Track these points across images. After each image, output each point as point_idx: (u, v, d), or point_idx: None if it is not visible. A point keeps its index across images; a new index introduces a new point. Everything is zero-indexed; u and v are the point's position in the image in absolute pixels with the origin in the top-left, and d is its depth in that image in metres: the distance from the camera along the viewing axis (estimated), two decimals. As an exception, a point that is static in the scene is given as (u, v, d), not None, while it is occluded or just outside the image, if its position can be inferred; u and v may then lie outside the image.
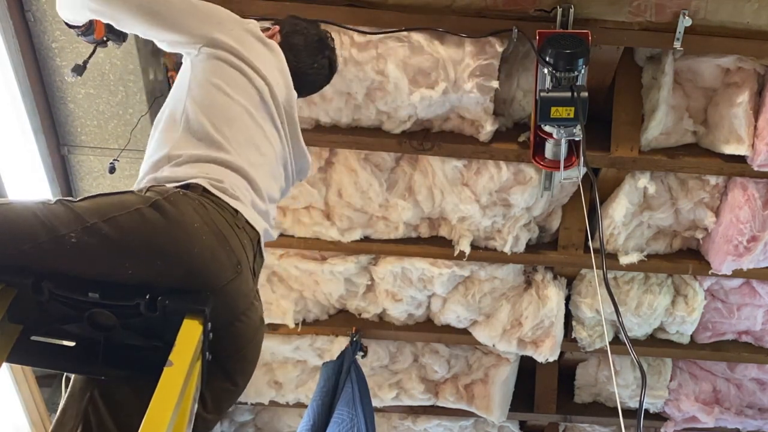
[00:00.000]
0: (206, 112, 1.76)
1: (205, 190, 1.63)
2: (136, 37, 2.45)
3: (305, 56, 2.12)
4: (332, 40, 2.25)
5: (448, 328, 3.65)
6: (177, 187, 1.61)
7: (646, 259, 3.22)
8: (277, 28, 2.14)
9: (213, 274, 1.54)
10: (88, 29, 2.07)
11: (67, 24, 2.06)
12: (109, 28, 2.05)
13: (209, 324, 1.50)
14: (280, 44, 2.06)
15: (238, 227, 1.64)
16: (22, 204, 1.49)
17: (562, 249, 3.30)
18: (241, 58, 1.86)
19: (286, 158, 1.97)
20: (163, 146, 1.74)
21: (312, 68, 2.15)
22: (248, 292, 1.63)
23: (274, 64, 1.97)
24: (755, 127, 2.74)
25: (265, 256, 1.80)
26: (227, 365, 1.62)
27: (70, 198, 1.53)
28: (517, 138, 2.87)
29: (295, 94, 2.03)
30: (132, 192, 1.58)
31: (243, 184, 1.74)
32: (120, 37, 2.15)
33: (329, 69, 2.23)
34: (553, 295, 3.41)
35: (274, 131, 1.89)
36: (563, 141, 2.53)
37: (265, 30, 2.09)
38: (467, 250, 3.20)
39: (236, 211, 1.66)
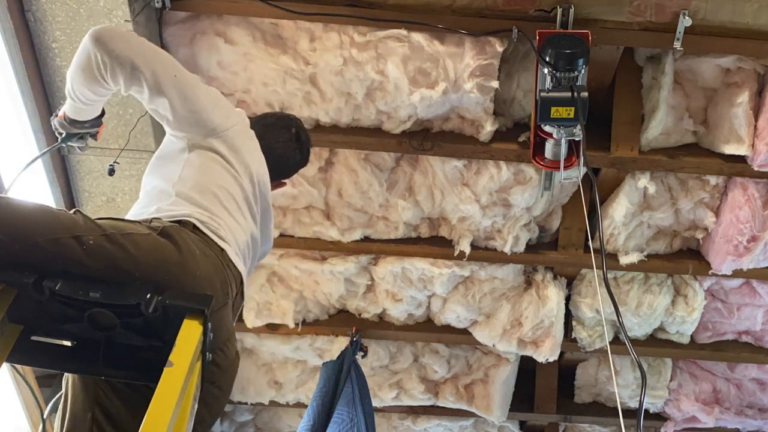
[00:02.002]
0: (197, 188, 1.85)
1: (195, 227, 1.74)
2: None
3: (267, 133, 2.19)
4: (296, 118, 2.34)
5: (448, 328, 3.65)
6: (171, 221, 1.71)
7: (646, 259, 3.22)
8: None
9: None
10: (95, 122, 2.14)
11: (67, 121, 2.09)
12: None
13: (209, 324, 1.51)
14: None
15: (224, 264, 1.74)
16: (42, 206, 1.55)
17: (562, 249, 3.30)
18: (233, 159, 1.94)
19: (256, 238, 2.03)
20: (154, 202, 1.84)
21: (278, 142, 2.21)
22: (229, 324, 1.72)
23: (257, 154, 2.07)
24: (755, 127, 2.74)
25: (246, 297, 1.89)
26: (204, 393, 1.64)
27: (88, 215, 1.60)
28: (517, 138, 2.87)
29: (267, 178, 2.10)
30: (139, 222, 1.68)
31: (228, 231, 1.84)
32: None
33: (297, 141, 2.27)
34: (553, 295, 3.41)
35: (249, 215, 1.98)
36: (563, 141, 2.53)
37: None
38: (467, 250, 3.20)
39: (222, 249, 1.76)
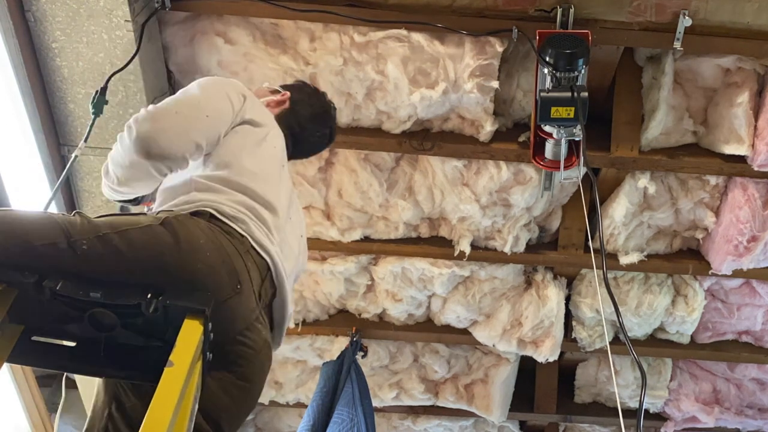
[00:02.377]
0: (216, 177, 1.80)
1: (212, 216, 1.68)
2: (136, 37, 2.46)
3: (310, 126, 2.19)
4: (335, 110, 2.33)
5: (448, 328, 3.65)
6: (185, 212, 1.67)
7: (646, 259, 3.22)
8: (288, 94, 2.18)
9: (211, 289, 1.56)
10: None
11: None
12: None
13: (210, 324, 1.51)
14: (288, 110, 2.14)
15: (244, 251, 1.67)
16: (42, 212, 1.58)
17: (562, 249, 3.30)
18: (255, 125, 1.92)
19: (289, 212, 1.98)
20: (176, 194, 1.78)
21: (315, 137, 2.23)
22: (247, 313, 1.64)
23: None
24: (755, 127, 2.74)
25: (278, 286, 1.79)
26: (226, 383, 1.63)
27: (87, 215, 1.58)
28: (517, 138, 2.87)
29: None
30: (144, 214, 1.66)
31: (249, 215, 1.76)
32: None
33: (329, 139, 2.31)
34: (553, 295, 3.41)
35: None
36: (563, 141, 2.53)
37: (275, 92, 2.18)
38: (467, 250, 3.20)
39: (242, 235, 1.69)
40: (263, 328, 1.70)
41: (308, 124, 2.17)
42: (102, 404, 1.69)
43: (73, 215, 1.55)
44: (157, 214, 1.64)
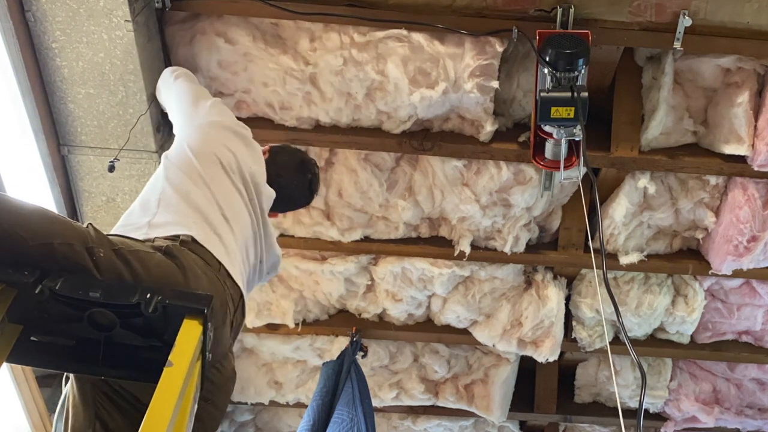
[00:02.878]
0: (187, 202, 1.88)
1: (194, 240, 1.74)
2: (136, 37, 2.47)
3: (286, 172, 2.30)
4: (316, 166, 2.42)
5: (448, 328, 3.65)
6: (167, 237, 1.72)
7: (646, 259, 3.22)
8: (268, 146, 2.33)
9: None
10: None
11: None
12: None
13: (209, 324, 1.51)
14: (267, 159, 2.24)
15: (223, 282, 1.75)
16: (60, 215, 1.62)
17: (562, 249, 3.30)
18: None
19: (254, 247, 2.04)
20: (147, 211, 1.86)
21: (292, 184, 2.31)
22: (226, 342, 1.73)
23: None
24: (755, 127, 2.74)
25: (246, 314, 1.89)
26: (199, 410, 1.66)
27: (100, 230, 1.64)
28: (517, 138, 2.87)
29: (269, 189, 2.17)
30: (142, 241, 1.69)
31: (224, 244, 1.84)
32: None
33: (309, 188, 2.38)
34: (553, 295, 3.41)
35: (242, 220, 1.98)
36: (563, 141, 2.53)
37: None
38: (467, 250, 3.20)
39: (220, 265, 1.77)
40: (233, 357, 1.80)
41: (285, 171, 2.28)
42: (84, 422, 1.70)
43: (86, 227, 1.59)
44: (153, 242, 1.69)
